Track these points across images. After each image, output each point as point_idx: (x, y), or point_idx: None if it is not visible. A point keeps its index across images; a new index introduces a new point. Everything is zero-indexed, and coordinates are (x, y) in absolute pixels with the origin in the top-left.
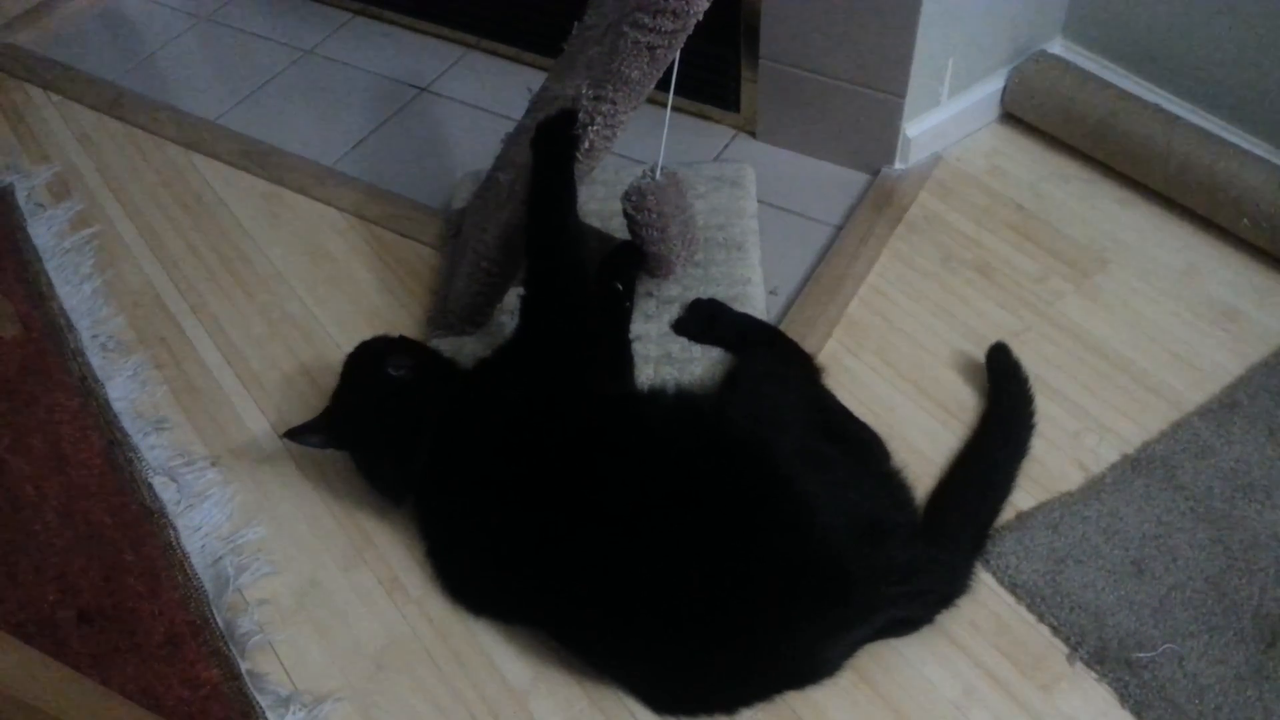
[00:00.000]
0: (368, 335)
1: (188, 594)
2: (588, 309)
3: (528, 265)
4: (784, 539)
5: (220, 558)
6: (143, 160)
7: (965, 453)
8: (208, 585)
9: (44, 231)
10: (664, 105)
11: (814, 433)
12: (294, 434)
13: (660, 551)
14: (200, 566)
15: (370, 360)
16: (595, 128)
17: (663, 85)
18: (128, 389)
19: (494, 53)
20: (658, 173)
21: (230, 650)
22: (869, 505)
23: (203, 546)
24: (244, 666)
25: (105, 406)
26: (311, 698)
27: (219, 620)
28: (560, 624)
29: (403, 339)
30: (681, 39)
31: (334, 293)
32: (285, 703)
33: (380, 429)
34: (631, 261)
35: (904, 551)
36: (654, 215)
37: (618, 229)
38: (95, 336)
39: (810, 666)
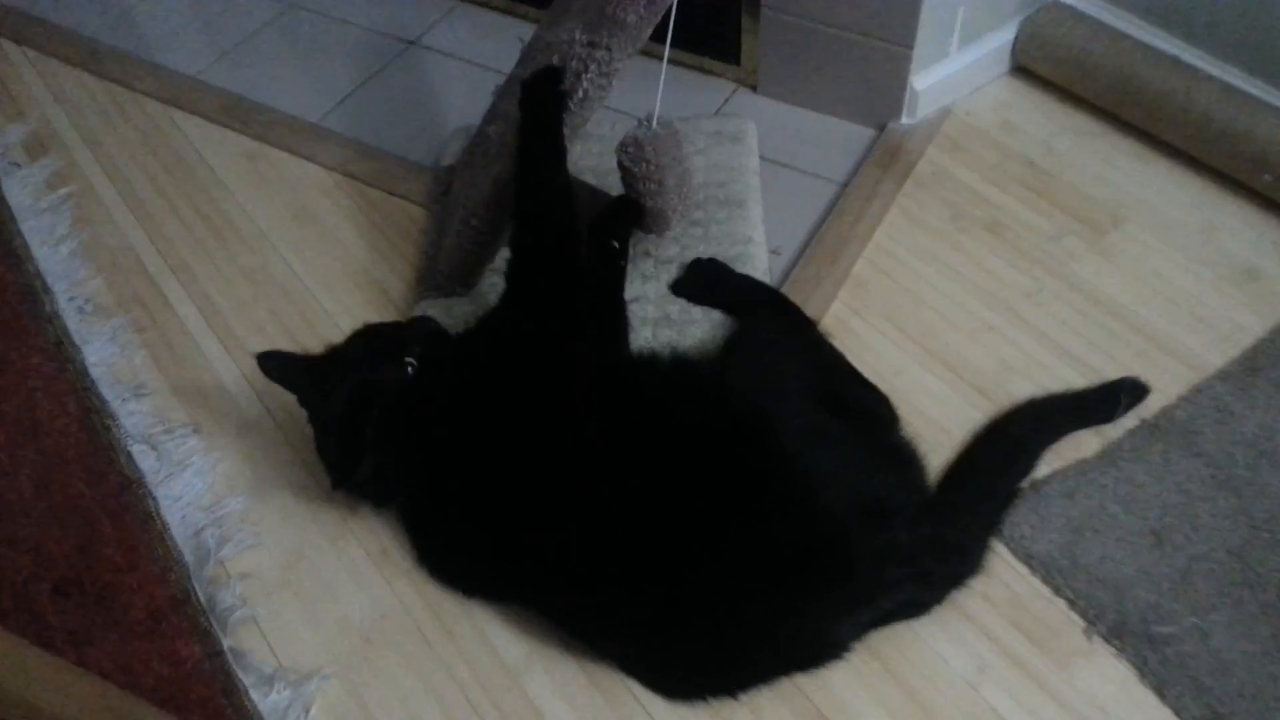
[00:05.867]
0: (354, 297)
1: (168, 567)
2: (578, 270)
3: (515, 225)
4: (785, 517)
5: (202, 529)
6: (121, 117)
7: (990, 427)
8: (189, 557)
9: (19, 191)
10: (660, 58)
11: (817, 404)
12: (267, 358)
13: (656, 529)
14: (181, 538)
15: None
16: (589, 76)
17: (659, 35)
18: (106, 353)
19: (486, 4)
20: (654, 122)
21: (212, 625)
22: (874, 482)
23: (183, 517)
24: (226, 643)
25: (82, 371)
26: (296, 675)
27: (200, 594)
28: (554, 605)
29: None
30: None
31: (319, 253)
32: (269, 680)
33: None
34: (627, 217)
35: (911, 531)
36: (651, 167)
37: (614, 187)
38: (72, 299)
39: (814, 649)
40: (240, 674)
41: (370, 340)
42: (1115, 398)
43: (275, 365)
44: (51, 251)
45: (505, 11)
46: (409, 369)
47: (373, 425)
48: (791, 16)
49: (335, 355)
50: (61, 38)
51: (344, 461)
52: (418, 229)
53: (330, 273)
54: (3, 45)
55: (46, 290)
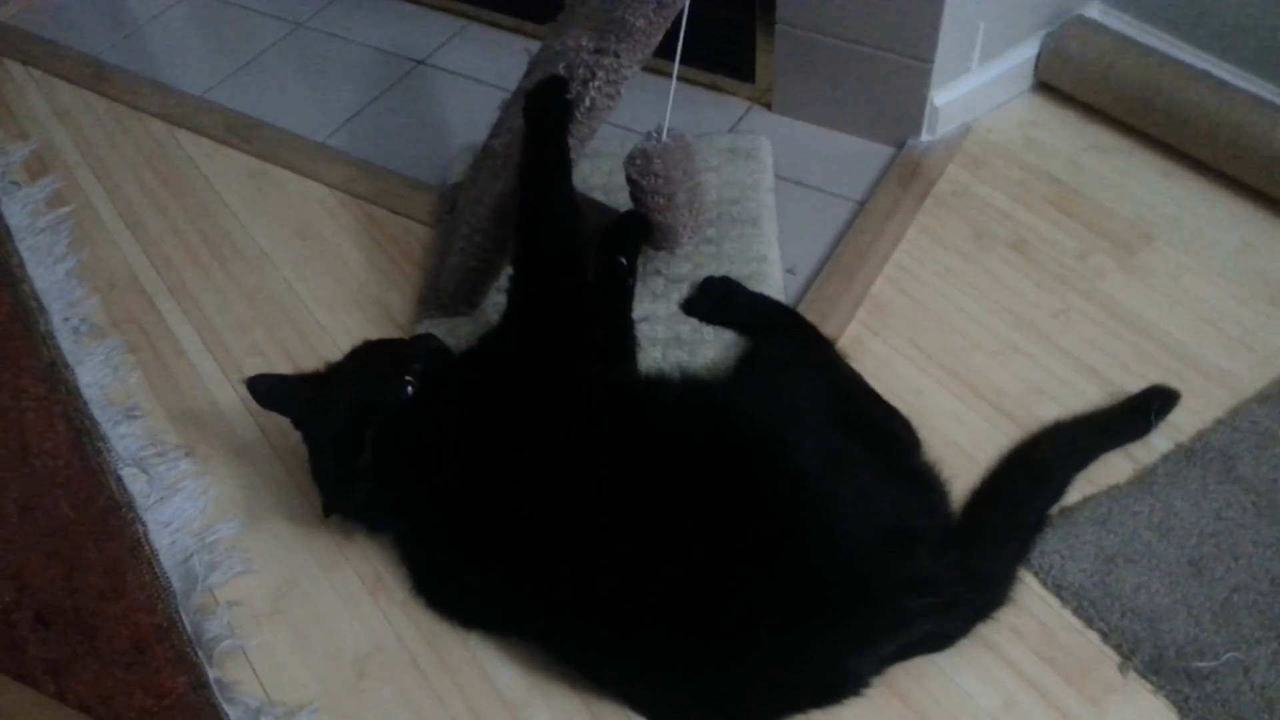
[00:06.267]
0: (356, 317)
1: (155, 594)
2: (583, 287)
3: (517, 240)
4: (801, 546)
5: (191, 555)
6: (124, 136)
7: (1018, 452)
8: (176, 585)
9: (18, 210)
10: (671, 76)
11: (834, 427)
12: (257, 382)
13: (665, 559)
14: (169, 564)
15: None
16: (596, 84)
17: (670, 47)
18: (99, 375)
19: (494, 24)
20: (663, 134)
21: (198, 656)
22: (894, 509)
23: (173, 543)
24: (212, 674)
25: (75, 393)
26: (285, 709)
27: (187, 623)
28: (558, 638)
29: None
30: None
31: (321, 273)
32: (255, 714)
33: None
34: (636, 232)
35: (933, 561)
36: (660, 180)
37: (624, 205)
38: (67, 320)
39: (831, 684)
40: (226, 707)
41: (369, 357)
42: (1145, 410)
43: (266, 389)
44: (48, 271)
45: (515, 30)
46: (408, 388)
47: (368, 447)
48: (807, 32)
49: (332, 373)
50: (67, 57)
51: (337, 486)
52: (421, 248)
53: (331, 292)
54: (8, 65)
55: (42, 310)
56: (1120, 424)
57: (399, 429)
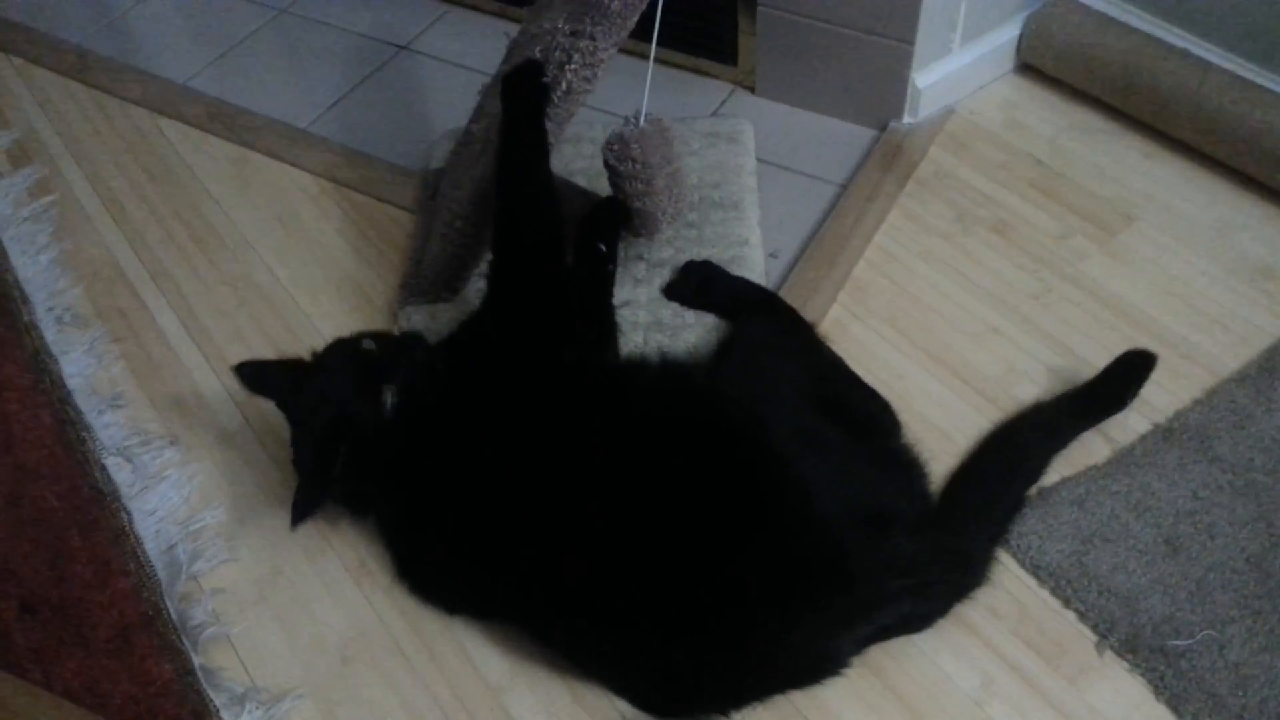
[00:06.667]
0: (339, 304)
1: (140, 583)
2: (563, 272)
3: (496, 225)
4: (779, 527)
5: (175, 543)
6: (107, 124)
7: (997, 433)
8: (161, 573)
9: (0, 200)
10: (654, 49)
11: (814, 410)
12: (244, 368)
13: (645, 540)
14: (154, 553)
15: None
16: (573, 67)
17: (647, 29)
18: (83, 364)
19: (477, 8)
20: (641, 119)
21: (183, 643)
22: (873, 490)
23: (157, 531)
24: (198, 661)
25: (59, 382)
26: (269, 695)
27: (172, 610)
28: (539, 621)
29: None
30: None
31: (304, 260)
32: (241, 700)
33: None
34: (614, 218)
35: (911, 541)
36: (638, 165)
37: (605, 189)
38: (51, 309)
39: (810, 665)
40: (211, 693)
41: (351, 358)
42: (1123, 381)
43: (253, 374)
44: (31, 261)
45: (498, 15)
46: (388, 401)
47: (341, 462)
48: (789, 14)
49: (315, 366)
50: (49, 45)
51: (308, 498)
52: (404, 234)
53: (314, 279)
54: None
55: (25, 300)
56: (1099, 398)
57: (376, 442)
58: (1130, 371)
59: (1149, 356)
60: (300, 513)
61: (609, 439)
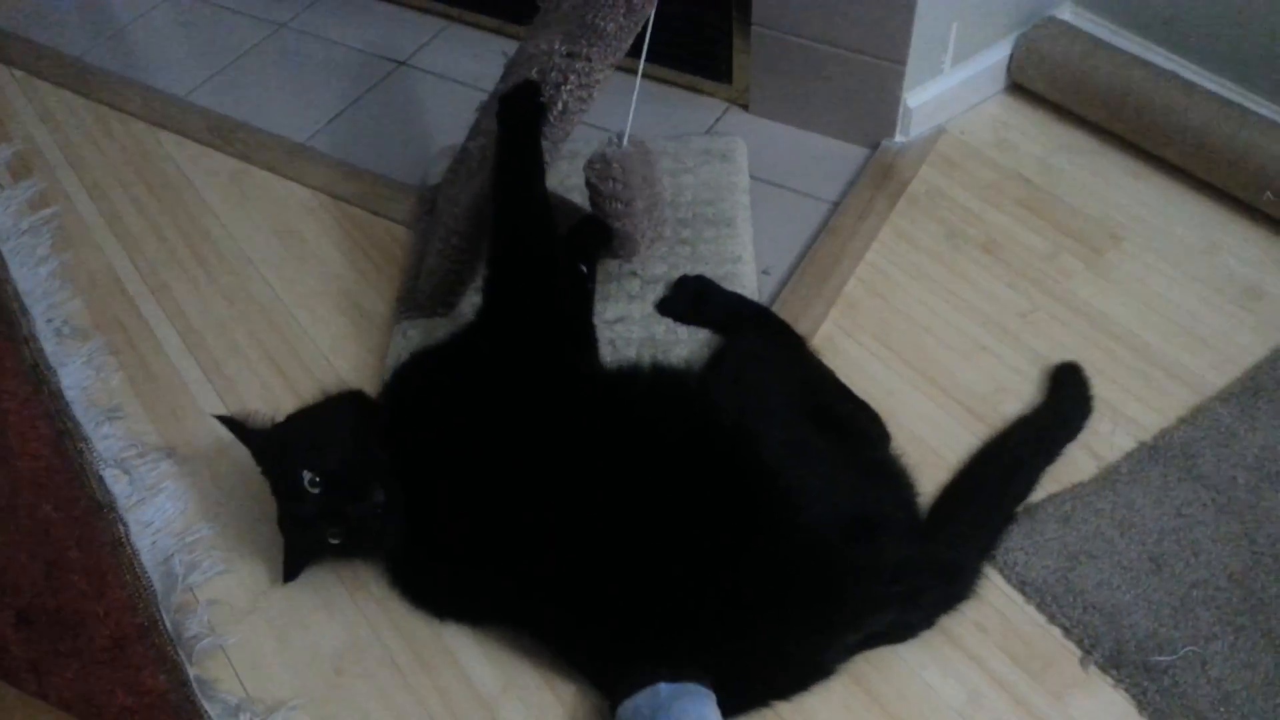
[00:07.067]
0: (336, 318)
1: (136, 594)
2: (556, 287)
3: (492, 241)
4: (767, 535)
5: (171, 555)
6: (107, 138)
7: (986, 449)
8: (157, 584)
9: (1, 212)
10: (649, 77)
11: (803, 421)
12: (231, 424)
13: (634, 549)
14: (150, 564)
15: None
16: (569, 88)
17: (637, 49)
18: (81, 376)
19: (476, 24)
20: (625, 140)
21: (178, 654)
22: (861, 499)
23: (153, 543)
24: (192, 672)
25: (57, 394)
26: (264, 706)
27: (167, 622)
28: (532, 627)
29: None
30: None
31: (302, 274)
32: (235, 711)
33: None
34: (595, 238)
35: (899, 549)
36: (619, 186)
37: None
38: (50, 321)
39: (796, 672)
40: (206, 705)
41: (334, 455)
42: (1073, 389)
43: (235, 427)
44: (31, 273)
45: (496, 31)
46: (378, 501)
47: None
48: (783, 34)
49: (295, 441)
50: (50, 58)
51: (296, 561)
52: (401, 249)
53: (311, 294)
54: None
55: (24, 312)
56: (1065, 412)
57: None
58: (1072, 383)
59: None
60: (291, 573)
61: (601, 445)
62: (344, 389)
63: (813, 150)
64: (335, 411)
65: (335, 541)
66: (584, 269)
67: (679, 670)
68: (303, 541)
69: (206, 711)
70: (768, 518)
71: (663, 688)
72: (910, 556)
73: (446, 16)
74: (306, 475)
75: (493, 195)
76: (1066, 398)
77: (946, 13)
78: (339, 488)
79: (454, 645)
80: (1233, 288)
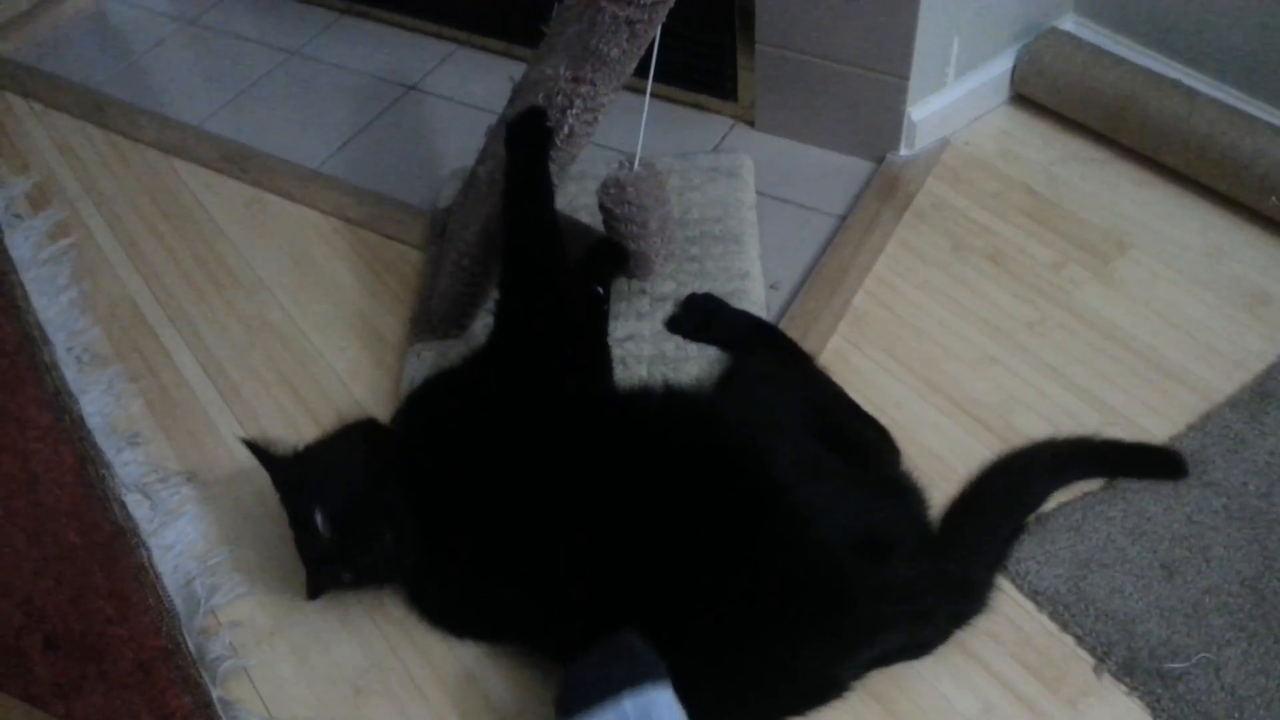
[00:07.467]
0: (351, 342)
1: (159, 617)
2: (566, 308)
3: (504, 265)
4: (778, 554)
5: (193, 578)
6: (124, 167)
7: (999, 463)
8: (180, 607)
9: (22, 243)
10: (656, 97)
11: (813, 439)
12: (255, 449)
13: (648, 568)
14: (173, 588)
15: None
16: (574, 112)
17: (643, 72)
18: (102, 403)
19: (484, 48)
20: (636, 163)
21: (201, 676)
22: (872, 516)
23: (175, 566)
24: (215, 693)
25: (79, 421)
26: None
27: (190, 644)
28: (545, 643)
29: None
30: (662, 13)
31: (316, 298)
32: None
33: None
34: (611, 261)
35: (911, 566)
36: (634, 209)
37: None
38: (70, 349)
39: (809, 690)
40: None
41: (345, 495)
42: (1158, 465)
43: (259, 452)
44: (51, 302)
45: (504, 54)
46: (387, 544)
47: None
48: (787, 51)
49: (308, 477)
50: (66, 90)
51: (316, 583)
52: (414, 272)
53: (326, 318)
54: (9, 98)
55: (45, 340)
56: (1129, 461)
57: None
58: (1161, 464)
59: (1183, 468)
60: (314, 593)
61: (614, 467)
62: (359, 417)
63: (818, 165)
64: (348, 445)
65: (347, 578)
66: (600, 290)
67: (624, 656)
68: (317, 575)
69: None
70: (780, 537)
71: (628, 706)
72: (921, 575)
73: (455, 40)
74: (318, 516)
75: (503, 220)
76: (1142, 457)
77: (948, 26)
78: (349, 531)
79: (473, 665)
80: (1240, 294)
